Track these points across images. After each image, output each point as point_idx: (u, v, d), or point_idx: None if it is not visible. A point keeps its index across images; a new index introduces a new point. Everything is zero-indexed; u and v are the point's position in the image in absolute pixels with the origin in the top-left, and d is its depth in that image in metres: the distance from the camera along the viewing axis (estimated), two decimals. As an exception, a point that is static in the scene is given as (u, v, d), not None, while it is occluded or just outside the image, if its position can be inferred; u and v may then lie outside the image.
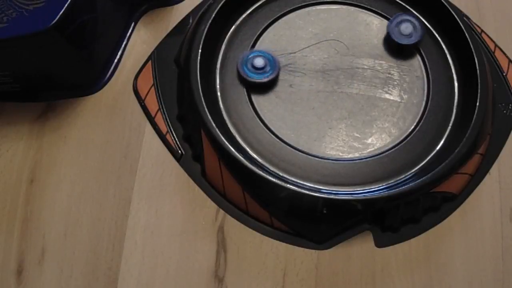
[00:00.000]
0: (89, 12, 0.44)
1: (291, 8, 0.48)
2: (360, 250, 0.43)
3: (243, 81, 0.45)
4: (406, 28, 0.45)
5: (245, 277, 0.42)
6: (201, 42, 0.44)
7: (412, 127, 0.44)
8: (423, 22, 0.46)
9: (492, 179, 0.45)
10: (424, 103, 0.45)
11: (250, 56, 0.44)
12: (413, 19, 0.46)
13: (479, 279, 0.42)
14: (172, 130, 0.46)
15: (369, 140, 0.44)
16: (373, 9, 0.48)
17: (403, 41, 0.45)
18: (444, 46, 0.47)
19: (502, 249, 0.43)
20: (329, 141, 0.44)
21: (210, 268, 0.42)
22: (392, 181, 0.42)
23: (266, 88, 0.45)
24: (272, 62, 0.44)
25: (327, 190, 0.41)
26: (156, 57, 0.49)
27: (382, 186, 0.41)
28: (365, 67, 0.46)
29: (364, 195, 0.40)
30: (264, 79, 0.44)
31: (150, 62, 0.49)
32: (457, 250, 0.43)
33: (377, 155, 0.43)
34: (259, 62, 0.44)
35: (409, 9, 0.48)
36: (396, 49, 0.46)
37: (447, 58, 0.46)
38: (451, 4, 0.49)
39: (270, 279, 0.42)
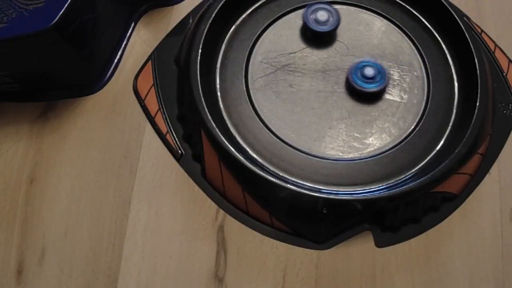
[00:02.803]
0: (89, 12, 0.44)
1: (291, 8, 0.48)
2: (360, 250, 0.43)
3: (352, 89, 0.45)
4: (321, 16, 0.46)
5: (245, 277, 0.42)
6: (201, 42, 0.44)
7: (412, 127, 0.44)
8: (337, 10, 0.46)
9: (492, 179, 0.45)
10: (424, 103, 0.45)
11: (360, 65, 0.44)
12: (329, 7, 0.46)
13: (479, 279, 0.42)
14: (172, 130, 0.46)
15: (369, 140, 0.44)
16: (373, 9, 0.48)
17: (319, 28, 0.46)
18: (444, 46, 0.47)
19: (502, 249, 0.43)
20: (329, 141, 0.44)
21: (210, 268, 0.42)
22: (392, 181, 0.42)
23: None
24: (382, 72, 0.44)
25: (327, 190, 0.41)
26: (156, 57, 0.49)
27: (382, 186, 0.41)
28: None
29: (364, 195, 0.40)
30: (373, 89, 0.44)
31: (150, 62, 0.49)
32: (457, 250, 0.43)
33: (377, 155, 0.43)
34: (369, 71, 0.44)
35: (409, 9, 0.48)
36: (312, 37, 0.47)
37: (447, 58, 0.46)
38: (451, 4, 0.49)
39: (270, 279, 0.42)
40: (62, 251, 0.43)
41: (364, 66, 0.44)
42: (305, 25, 0.46)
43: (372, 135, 0.44)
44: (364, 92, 0.44)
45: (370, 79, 0.44)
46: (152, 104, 0.47)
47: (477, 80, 0.43)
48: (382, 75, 0.44)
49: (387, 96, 0.45)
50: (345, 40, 0.47)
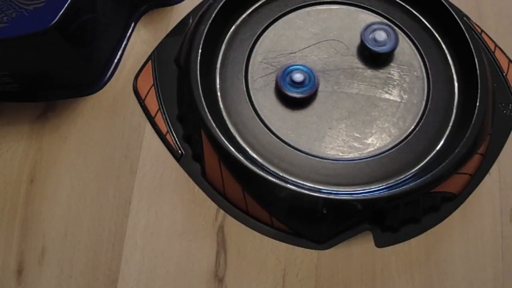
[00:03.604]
0: (89, 12, 0.44)
1: (291, 8, 0.48)
2: (360, 250, 0.43)
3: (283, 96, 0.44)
4: (379, 35, 0.45)
5: (245, 277, 0.42)
6: (201, 42, 0.44)
7: (412, 127, 0.44)
8: (396, 29, 0.46)
9: (492, 179, 0.45)
10: (424, 103, 0.45)
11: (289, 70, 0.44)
12: (386, 27, 0.45)
13: (479, 279, 0.42)
14: (172, 130, 0.46)
15: (369, 140, 0.44)
16: (373, 9, 0.48)
17: (377, 49, 0.45)
18: (444, 46, 0.47)
19: (502, 249, 0.43)
20: (329, 141, 0.44)
21: (210, 268, 0.42)
22: (392, 181, 0.42)
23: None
24: (311, 77, 0.44)
25: (327, 190, 0.41)
26: (156, 57, 0.49)
27: (382, 186, 0.41)
28: (365, 67, 0.46)
29: (364, 195, 0.40)
30: (303, 94, 0.44)
31: (150, 62, 0.49)
32: (457, 250, 0.43)
33: (377, 155, 0.43)
34: (298, 77, 0.44)
35: (409, 9, 0.48)
36: (370, 57, 0.46)
37: (447, 58, 0.46)
38: (451, 4, 0.49)
39: (270, 279, 0.42)
40: (62, 251, 0.43)
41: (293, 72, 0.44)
42: (362, 43, 0.45)
43: (372, 135, 0.44)
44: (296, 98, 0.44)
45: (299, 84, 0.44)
46: (152, 104, 0.47)
47: (477, 80, 0.43)
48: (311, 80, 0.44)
49: (387, 96, 0.45)
50: (345, 40, 0.47)
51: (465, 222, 0.44)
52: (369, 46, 0.45)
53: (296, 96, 0.43)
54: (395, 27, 0.46)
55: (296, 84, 0.43)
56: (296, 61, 0.46)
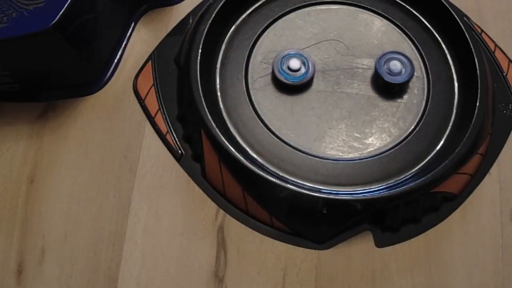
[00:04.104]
0: (89, 12, 0.44)
1: (291, 8, 0.48)
2: (360, 250, 0.43)
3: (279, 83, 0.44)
4: (394, 65, 0.44)
5: (245, 277, 0.42)
6: (201, 42, 0.44)
7: (412, 127, 0.44)
8: (411, 60, 0.45)
9: (492, 179, 0.45)
10: (424, 103, 0.45)
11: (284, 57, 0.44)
12: (401, 57, 0.44)
13: (479, 279, 0.42)
14: (172, 130, 0.46)
15: (369, 140, 0.44)
16: (373, 9, 0.48)
17: (392, 79, 0.44)
18: (444, 46, 0.47)
19: (502, 249, 0.43)
20: (329, 141, 0.44)
21: (210, 268, 0.42)
22: (392, 181, 0.42)
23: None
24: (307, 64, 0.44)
25: (327, 190, 0.41)
26: (156, 57, 0.49)
27: (382, 186, 0.41)
28: (365, 67, 0.46)
29: (364, 195, 0.40)
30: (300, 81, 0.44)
31: (150, 62, 0.49)
32: (457, 250, 0.43)
33: (377, 155, 0.43)
34: (294, 63, 0.44)
35: (409, 9, 0.48)
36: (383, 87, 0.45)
37: (447, 58, 0.46)
38: (451, 4, 0.49)
39: (270, 279, 0.42)
40: (62, 251, 0.43)
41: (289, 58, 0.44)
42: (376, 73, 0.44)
43: (372, 135, 0.44)
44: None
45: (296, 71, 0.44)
46: (152, 104, 0.47)
47: (477, 80, 0.43)
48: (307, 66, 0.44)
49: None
50: (345, 40, 0.47)
51: (465, 222, 0.44)
52: (383, 76, 0.44)
53: (293, 83, 0.44)
54: (410, 58, 0.45)
55: (292, 72, 0.44)
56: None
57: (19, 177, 0.45)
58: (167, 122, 0.47)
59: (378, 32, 0.47)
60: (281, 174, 0.42)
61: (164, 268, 0.42)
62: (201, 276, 0.42)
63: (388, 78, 0.44)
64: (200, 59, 0.43)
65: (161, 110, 0.47)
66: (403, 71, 0.44)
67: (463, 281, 0.42)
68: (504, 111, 0.47)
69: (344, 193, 0.41)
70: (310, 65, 0.44)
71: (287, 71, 0.44)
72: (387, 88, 0.45)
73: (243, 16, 0.48)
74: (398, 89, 0.45)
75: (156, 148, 0.46)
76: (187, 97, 0.44)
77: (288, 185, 0.40)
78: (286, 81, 0.44)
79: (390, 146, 0.43)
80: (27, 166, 0.46)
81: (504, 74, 0.48)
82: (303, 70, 0.44)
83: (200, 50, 0.44)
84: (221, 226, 0.44)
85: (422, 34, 0.47)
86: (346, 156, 0.43)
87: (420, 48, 0.47)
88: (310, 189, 0.41)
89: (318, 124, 0.44)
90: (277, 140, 0.43)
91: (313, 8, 0.48)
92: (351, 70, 0.46)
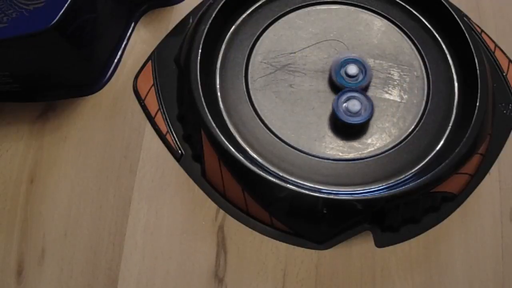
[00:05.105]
0: (89, 12, 0.44)
1: (291, 8, 0.48)
2: (360, 250, 0.43)
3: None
4: (353, 105, 0.42)
5: (245, 277, 0.42)
6: (201, 42, 0.44)
7: (412, 127, 0.44)
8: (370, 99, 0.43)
9: (492, 179, 0.45)
10: (424, 103, 0.45)
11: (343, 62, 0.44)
12: (360, 95, 0.43)
13: (479, 279, 0.42)
14: (172, 130, 0.46)
15: (369, 140, 0.44)
16: (373, 9, 0.48)
17: (350, 120, 0.42)
18: (444, 46, 0.47)
19: (502, 249, 0.43)
20: (329, 141, 0.43)
21: (210, 268, 0.42)
22: (392, 181, 0.42)
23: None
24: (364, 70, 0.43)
25: (327, 190, 0.41)
26: (156, 57, 0.49)
27: (382, 186, 0.41)
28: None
29: (364, 195, 0.40)
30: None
31: (150, 62, 0.49)
32: (457, 250, 0.43)
33: (377, 155, 0.43)
34: (352, 69, 0.43)
35: (409, 9, 0.48)
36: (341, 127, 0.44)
37: (447, 58, 0.46)
38: (451, 4, 0.49)
39: (270, 279, 0.42)
40: (62, 251, 0.43)
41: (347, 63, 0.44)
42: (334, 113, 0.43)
43: (372, 135, 0.44)
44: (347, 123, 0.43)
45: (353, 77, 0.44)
46: (152, 104, 0.47)
47: (477, 80, 0.43)
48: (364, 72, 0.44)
49: (387, 96, 0.45)
50: (345, 40, 0.47)
51: (465, 222, 0.44)
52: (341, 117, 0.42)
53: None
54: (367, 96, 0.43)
55: (349, 77, 0.44)
56: (296, 61, 0.46)
57: (19, 177, 0.45)
58: (167, 122, 0.47)
59: (378, 32, 0.47)
60: (281, 174, 0.42)
61: (164, 268, 0.42)
62: (201, 276, 0.42)
63: (345, 118, 0.42)
64: (200, 59, 0.43)
65: (161, 110, 0.47)
66: (362, 111, 0.43)
67: (463, 281, 0.42)
68: (504, 111, 0.47)
69: (344, 193, 0.41)
70: (367, 71, 0.44)
71: (344, 76, 0.44)
72: (345, 128, 0.44)
73: (243, 16, 0.48)
74: (357, 129, 0.44)
75: (156, 148, 0.46)
76: (187, 97, 0.44)
77: (288, 185, 0.40)
78: (343, 86, 0.43)
79: (390, 146, 0.43)
80: (27, 166, 0.46)
81: (504, 74, 0.48)
82: (360, 76, 0.44)
83: (200, 50, 0.44)
84: (221, 226, 0.44)
85: (422, 34, 0.47)
86: (346, 156, 0.43)
87: (420, 48, 0.47)
88: (310, 189, 0.40)
89: (318, 124, 0.44)
90: (277, 140, 0.43)
91: (313, 8, 0.48)
92: (351, 70, 0.46)
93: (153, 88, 0.48)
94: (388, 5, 0.48)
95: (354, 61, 0.44)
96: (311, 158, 0.43)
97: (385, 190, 0.41)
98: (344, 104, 0.42)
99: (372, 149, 0.43)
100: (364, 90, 0.44)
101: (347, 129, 0.44)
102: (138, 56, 0.50)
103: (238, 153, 0.41)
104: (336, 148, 0.43)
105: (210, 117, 0.41)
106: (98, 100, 0.48)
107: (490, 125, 0.45)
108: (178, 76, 0.48)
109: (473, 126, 0.42)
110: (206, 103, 0.42)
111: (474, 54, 0.44)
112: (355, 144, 0.43)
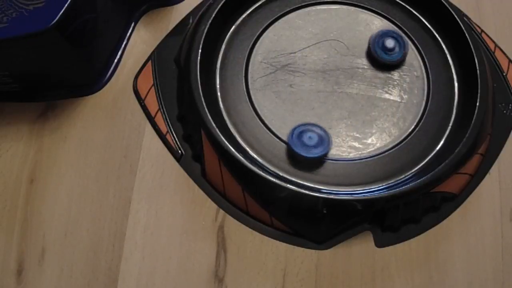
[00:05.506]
0: (89, 12, 0.44)
1: (291, 8, 0.48)
2: (360, 250, 0.43)
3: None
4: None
5: (245, 277, 0.42)
6: (201, 42, 0.44)
7: (412, 127, 0.44)
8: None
9: (492, 179, 0.45)
10: (424, 103, 0.45)
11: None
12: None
13: (479, 279, 0.42)
14: (172, 130, 0.46)
15: (369, 140, 0.44)
16: (373, 9, 0.48)
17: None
18: (444, 46, 0.47)
19: (502, 249, 0.43)
20: (329, 141, 0.44)
21: (210, 268, 0.42)
22: (392, 181, 0.42)
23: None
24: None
25: (327, 190, 0.41)
26: (156, 57, 0.49)
27: (382, 186, 0.41)
28: (365, 67, 0.46)
29: (364, 195, 0.40)
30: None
31: (150, 62, 0.49)
32: (457, 250, 0.43)
33: (377, 155, 0.43)
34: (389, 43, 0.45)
35: (409, 9, 0.48)
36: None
37: (447, 58, 0.46)
38: (451, 4, 0.49)
39: (270, 279, 0.42)
40: (62, 251, 0.43)
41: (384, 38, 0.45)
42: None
43: (372, 135, 0.44)
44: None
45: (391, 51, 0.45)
46: (152, 104, 0.47)
47: (477, 80, 0.43)
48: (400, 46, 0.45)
49: (387, 96, 0.45)
50: (345, 40, 0.47)
51: (465, 222, 0.44)
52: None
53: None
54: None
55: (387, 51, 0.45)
56: (296, 61, 0.46)
57: (19, 177, 0.45)
58: (167, 122, 0.47)
59: (378, 32, 0.47)
60: (281, 174, 0.42)
61: (164, 268, 0.42)
62: (201, 276, 0.42)
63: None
64: (200, 59, 0.43)
65: (161, 110, 0.47)
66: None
67: (463, 281, 0.42)
68: (504, 111, 0.47)
69: (344, 193, 0.41)
70: (404, 44, 0.45)
71: (383, 49, 0.45)
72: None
73: (243, 16, 0.48)
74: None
75: (156, 148, 0.46)
76: (187, 97, 0.44)
77: (288, 185, 0.40)
78: (381, 59, 0.45)
79: (390, 146, 0.43)
80: (27, 166, 0.46)
81: (504, 74, 0.48)
82: (397, 49, 0.45)
83: (200, 50, 0.44)
84: (221, 226, 0.44)
85: (422, 34, 0.47)
86: (346, 156, 0.43)
87: (420, 48, 0.47)
88: (310, 189, 0.40)
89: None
90: (277, 140, 0.43)
91: (313, 8, 0.48)
92: (351, 70, 0.46)
93: (153, 88, 0.48)
94: (388, 5, 0.48)
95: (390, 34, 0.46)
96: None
97: (385, 190, 0.41)
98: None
99: (372, 149, 0.43)
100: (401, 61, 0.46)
101: (347, 129, 0.44)
102: (138, 56, 0.50)
103: (238, 153, 0.41)
104: (336, 148, 0.43)
105: (210, 117, 0.41)
106: (98, 100, 0.48)
107: (490, 125, 0.45)
108: (178, 76, 0.48)
109: (473, 126, 0.42)
110: (206, 103, 0.42)
111: (474, 54, 0.44)
112: (355, 144, 0.43)
